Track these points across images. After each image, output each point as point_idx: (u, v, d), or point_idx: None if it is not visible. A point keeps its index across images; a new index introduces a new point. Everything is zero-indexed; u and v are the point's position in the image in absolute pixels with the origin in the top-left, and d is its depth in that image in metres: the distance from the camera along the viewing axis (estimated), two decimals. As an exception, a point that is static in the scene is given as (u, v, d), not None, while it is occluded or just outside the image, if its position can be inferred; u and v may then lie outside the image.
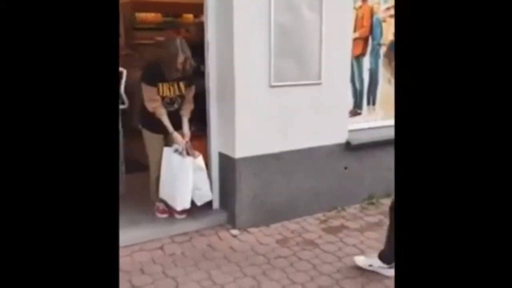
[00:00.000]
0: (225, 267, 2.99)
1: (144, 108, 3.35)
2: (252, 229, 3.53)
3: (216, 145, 3.64)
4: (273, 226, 3.62)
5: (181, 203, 3.37)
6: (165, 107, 3.33)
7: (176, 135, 3.34)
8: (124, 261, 2.96)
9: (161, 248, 3.22)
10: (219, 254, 3.16)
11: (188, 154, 3.35)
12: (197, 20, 6.43)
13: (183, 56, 3.10)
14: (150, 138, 3.49)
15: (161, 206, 3.58)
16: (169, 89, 3.32)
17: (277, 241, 3.38)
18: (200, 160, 3.41)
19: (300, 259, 3.13)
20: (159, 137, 3.47)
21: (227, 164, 3.55)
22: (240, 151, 3.43)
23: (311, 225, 3.69)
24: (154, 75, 3.26)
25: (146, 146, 3.53)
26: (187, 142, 3.38)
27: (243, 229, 3.53)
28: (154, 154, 3.50)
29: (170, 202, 3.47)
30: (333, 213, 3.89)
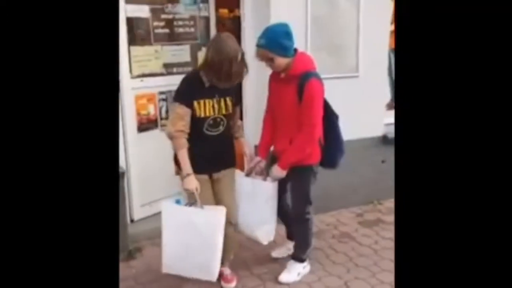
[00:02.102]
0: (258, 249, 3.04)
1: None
2: (288, 221, 3.55)
3: (252, 137, 3.68)
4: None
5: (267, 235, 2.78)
6: (207, 131, 2.46)
7: (189, 180, 2.38)
8: None
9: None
10: (257, 245, 3.20)
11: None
12: (232, 14, 6.48)
13: (240, 54, 2.35)
14: (201, 183, 2.46)
15: (226, 272, 2.75)
16: (213, 107, 2.45)
17: (314, 234, 3.39)
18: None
19: (336, 251, 3.14)
20: (205, 178, 2.52)
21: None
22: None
23: (347, 218, 3.69)
24: (192, 89, 2.42)
25: (188, 197, 2.51)
26: (260, 161, 2.69)
27: (280, 221, 3.55)
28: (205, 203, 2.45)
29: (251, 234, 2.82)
30: (369, 206, 3.88)
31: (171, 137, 2.39)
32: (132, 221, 3.38)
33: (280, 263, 2.91)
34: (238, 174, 2.69)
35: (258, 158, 2.68)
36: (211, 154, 2.47)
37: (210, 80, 2.38)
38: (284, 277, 2.77)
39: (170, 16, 3.41)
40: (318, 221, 3.60)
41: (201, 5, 3.56)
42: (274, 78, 2.62)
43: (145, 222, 3.39)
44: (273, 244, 2.97)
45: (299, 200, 2.69)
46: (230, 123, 2.53)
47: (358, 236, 3.36)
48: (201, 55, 3.49)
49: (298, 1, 3.33)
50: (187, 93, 2.40)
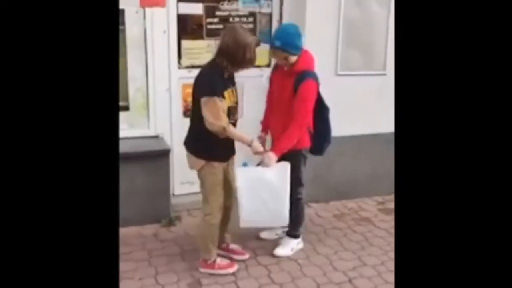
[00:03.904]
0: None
1: (207, 132, 2.57)
2: (313, 204, 3.88)
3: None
4: (332, 203, 3.95)
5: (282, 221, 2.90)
6: (230, 119, 2.63)
7: (256, 144, 2.71)
8: None
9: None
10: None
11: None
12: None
13: (254, 44, 2.58)
14: (218, 171, 2.71)
15: (224, 262, 2.91)
16: (231, 97, 2.66)
17: (334, 216, 3.73)
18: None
19: (354, 231, 3.46)
20: (225, 165, 2.78)
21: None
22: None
23: (368, 205, 3.98)
24: (221, 81, 2.59)
25: (208, 186, 2.73)
26: (262, 136, 3.05)
27: (305, 203, 3.89)
28: (219, 192, 2.75)
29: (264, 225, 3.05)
30: (391, 196, 4.13)
31: (224, 129, 2.53)
32: (173, 195, 3.82)
33: (271, 241, 3.22)
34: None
35: (263, 134, 3.07)
36: (230, 141, 2.74)
37: (224, 66, 2.57)
38: (279, 251, 3.08)
39: (226, 13, 3.74)
40: (341, 205, 3.93)
41: (262, 2, 3.82)
42: (279, 69, 2.96)
43: (184, 197, 3.81)
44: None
45: (292, 182, 2.82)
46: (237, 112, 2.75)
47: (377, 221, 3.65)
48: (259, 50, 3.80)
49: (331, 4, 3.65)
50: (219, 86, 2.56)
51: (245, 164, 2.77)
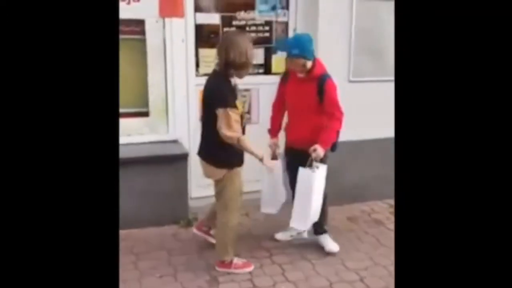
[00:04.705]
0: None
1: (224, 142, 2.66)
2: (326, 207, 3.99)
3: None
4: (345, 206, 4.05)
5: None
6: (244, 126, 2.78)
7: (267, 159, 2.85)
8: None
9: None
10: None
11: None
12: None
13: (251, 48, 2.69)
14: (238, 178, 2.85)
15: (240, 262, 3.01)
16: (241, 105, 2.77)
17: (348, 218, 3.83)
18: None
19: (366, 233, 3.57)
20: (240, 170, 2.89)
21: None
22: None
23: (380, 208, 4.08)
24: (233, 92, 2.71)
25: (229, 193, 2.83)
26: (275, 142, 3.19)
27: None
28: (238, 198, 2.89)
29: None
30: (403, 200, 4.21)
31: (238, 140, 2.63)
32: (190, 197, 3.95)
33: (285, 242, 3.36)
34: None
35: (274, 140, 3.21)
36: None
37: (230, 75, 2.68)
38: (332, 247, 3.22)
39: (243, 22, 3.90)
40: (354, 208, 4.02)
41: (279, 11, 3.97)
42: (292, 79, 3.10)
43: (201, 199, 3.94)
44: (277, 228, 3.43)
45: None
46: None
47: (389, 223, 3.74)
48: (276, 58, 3.99)
49: (343, 13, 3.78)
50: (232, 96, 2.65)
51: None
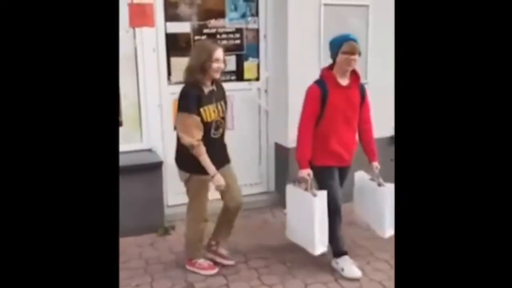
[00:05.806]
0: (276, 237, 3.54)
1: (185, 147, 2.69)
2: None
3: (272, 136, 4.21)
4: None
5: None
6: (213, 134, 2.77)
7: (218, 177, 2.71)
8: None
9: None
10: (274, 226, 3.74)
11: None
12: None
13: (216, 52, 2.67)
14: (200, 183, 2.83)
15: (205, 263, 3.05)
16: (215, 111, 2.75)
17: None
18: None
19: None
20: (208, 178, 2.78)
21: (282, 153, 4.12)
22: (292, 142, 3.95)
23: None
24: (196, 98, 2.67)
25: (190, 196, 2.91)
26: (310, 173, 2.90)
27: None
28: (202, 200, 2.91)
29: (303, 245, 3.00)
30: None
31: (192, 146, 2.62)
32: (167, 205, 3.96)
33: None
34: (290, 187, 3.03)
35: (308, 171, 2.86)
36: (218, 153, 2.82)
37: (198, 81, 2.68)
38: (356, 273, 2.97)
39: (213, 30, 3.94)
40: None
41: (249, 18, 4.03)
42: (334, 88, 2.84)
43: (178, 207, 3.93)
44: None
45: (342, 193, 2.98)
46: (225, 125, 2.87)
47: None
48: (247, 64, 4.07)
49: (312, 20, 3.87)
50: (193, 102, 2.64)
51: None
